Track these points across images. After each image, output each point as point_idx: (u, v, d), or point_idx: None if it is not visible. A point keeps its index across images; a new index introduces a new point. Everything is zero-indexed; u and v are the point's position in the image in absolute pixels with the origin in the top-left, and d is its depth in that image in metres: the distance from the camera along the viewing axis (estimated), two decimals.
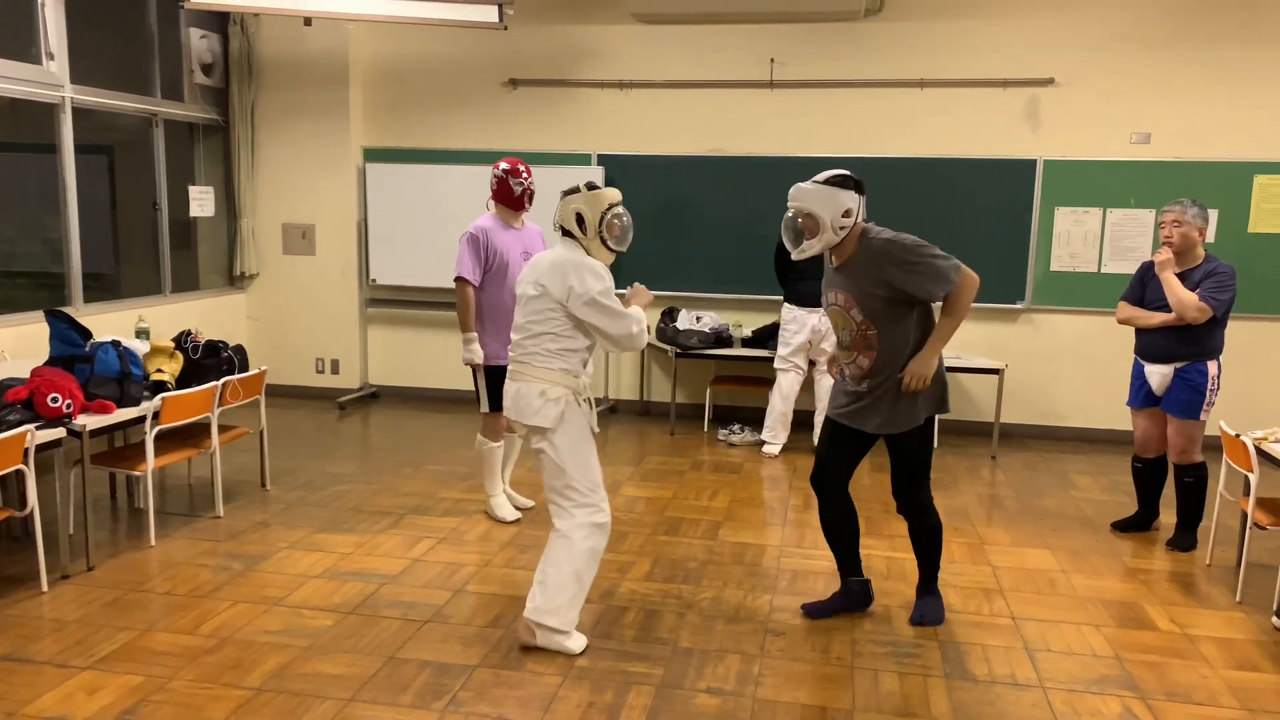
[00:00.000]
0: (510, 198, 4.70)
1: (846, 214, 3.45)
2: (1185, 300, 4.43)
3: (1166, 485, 4.89)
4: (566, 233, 3.54)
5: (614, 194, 3.56)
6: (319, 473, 5.72)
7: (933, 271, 3.45)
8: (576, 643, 3.48)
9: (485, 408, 4.82)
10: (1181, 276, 4.52)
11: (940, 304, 3.51)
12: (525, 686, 3.24)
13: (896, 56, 6.91)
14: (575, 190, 3.55)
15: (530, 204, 4.78)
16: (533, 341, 3.46)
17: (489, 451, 4.88)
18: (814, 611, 3.85)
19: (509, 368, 3.56)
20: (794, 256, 3.58)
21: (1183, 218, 4.49)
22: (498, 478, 4.93)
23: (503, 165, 4.71)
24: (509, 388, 3.53)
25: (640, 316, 3.54)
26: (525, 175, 4.71)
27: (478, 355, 4.68)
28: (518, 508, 5.05)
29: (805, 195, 3.48)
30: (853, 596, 3.88)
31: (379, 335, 7.92)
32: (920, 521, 3.75)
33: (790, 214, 3.53)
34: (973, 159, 6.85)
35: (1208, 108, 6.60)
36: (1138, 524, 4.98)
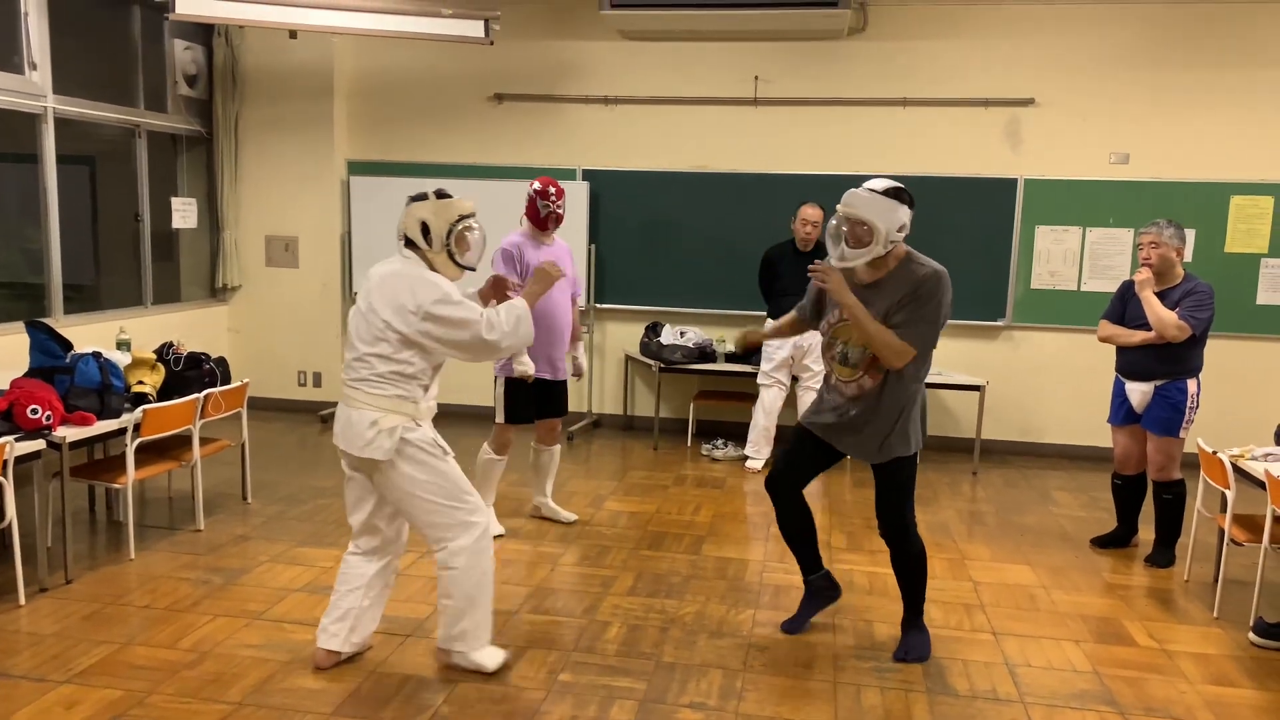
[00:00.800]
0: (536, 217, 4.71)
1: (901, 229, 3.36)
2: (1165, 319, 4.48)
3: (1146, 502, 4.93)
4: (410, 243, 3.27)
5: (467, 205, 3.30)
6: (300, 486, 5.69)
7: (929, 324, 3.37)
8: (490, 658, 3.38)
9: (501, 418, 4.81)
10: (1161, 296, 4.58)
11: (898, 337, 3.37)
12: (508, 701, 3.23)
13: (879, 75, 6.98)
14: (423, 196, 3.28)
15: (555, 227, 4.77)
16: (362, 364, 3.18)
17: (490, 463, 4.86)
18: (792, 628, 3.84)
19: (344, 392, 3.27)
20: (841, 265, 3.40)
21: (1160, 239, 4.55)
22: (491, 492, 4.91)
23: (536, 184, 4.71)
24: (339, 413, 3.26)
25: (515, 313, 3.21)
26: (554, 198, 4.68)
27: (530, 365, 4.66)
28: (561, 521, 5.08)
29: (865, 204, 3.33)
30: (820, 594, 3.86)
31: None
32: (903, 548, 3.59)
33: (840, 220, 3.39)
34: (954, 177, 6.92)
35: (1186, 129, 6.70)
36: (1117, 540, 5.02)
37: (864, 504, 5.68)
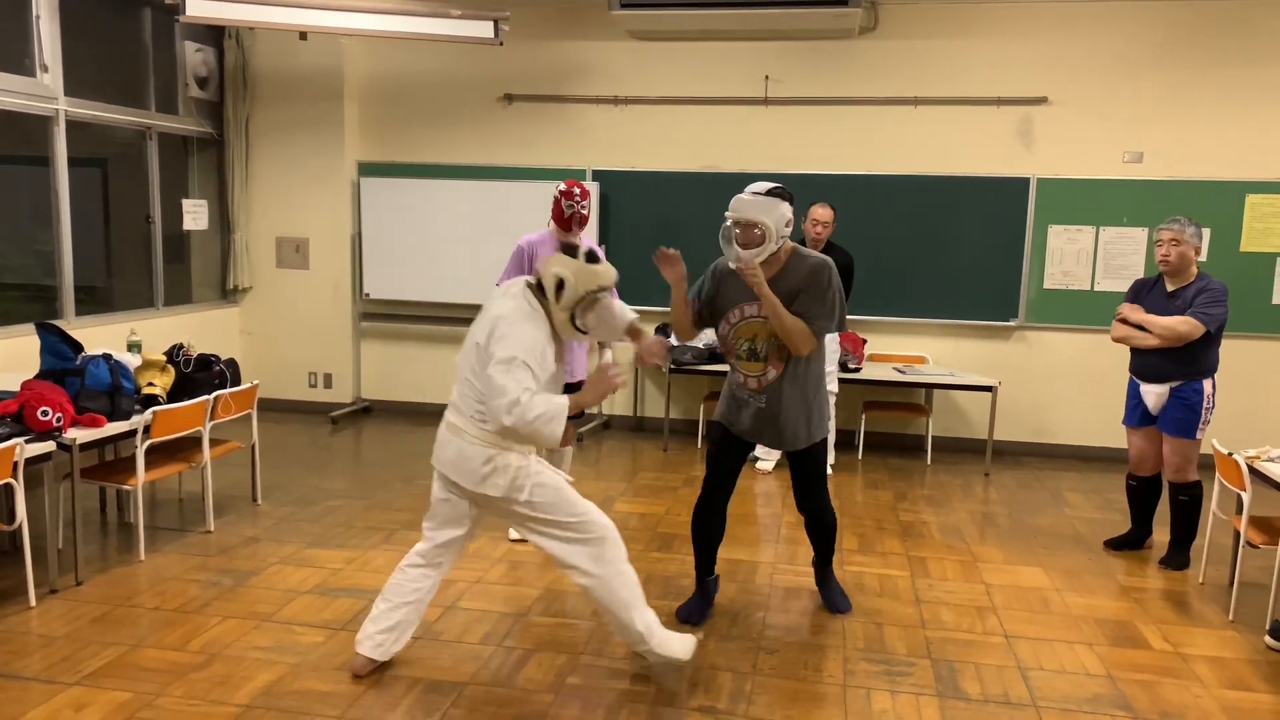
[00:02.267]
0: (560, 218, 4.70)
1: (787, 224, 3.59)
2: (1173, 327, 4.46)
3: (1161, 504, 4.89)
4: (539, 288, 3.21)
5: (609, 276, 3.23)
6: (310, 488, 5.69)
7: (834, 307, 3.63)
8: (680, 647, 3.40)
9: None
10: (1174, 294, 4.54)
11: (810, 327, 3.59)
12: (517, 704, 3.22)
13: (890, 74, 6.95)
14: (573, 252, 3.21)
15: (580, 228, 4.75)
16: (472, 398, 3.16)
17: (554, 456, 4.87)
18: (691, 617, 3.93)
19: (448, 417, 3.25)
20: (733, 264, 3.60)
21: (1181, 236, 4.49)
22: None
23: (561, 185, 4.72)
24: (449, 444, 3.23)
25: (551, 411, 2.99)
26: (579, 198, 4.67)
27: None
28: None
29: (752, 207, 3.55)
30: (709, 592, 4.03)
31: (372, 350, 7.90)
32: (819, 518, 4.00)
33: (732, 224, 3.59)
34: (966, 177, 6.88)
35: (1201, 127, 6.64)
36: (1131, 542, 4.97)
37: (875, 506, 5.65)
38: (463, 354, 3.24)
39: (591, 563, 3.27)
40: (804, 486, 3.94)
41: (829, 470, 6.28)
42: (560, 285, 3.15)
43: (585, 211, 4.71)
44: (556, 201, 4.70)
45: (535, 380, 3.05)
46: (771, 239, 3.55)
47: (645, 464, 6.49)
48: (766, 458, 6.44)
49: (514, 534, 4.84)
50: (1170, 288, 4.58)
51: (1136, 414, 4.76)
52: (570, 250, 3.22)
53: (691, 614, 3.94)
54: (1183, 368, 4.53)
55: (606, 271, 3.22)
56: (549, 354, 3.17)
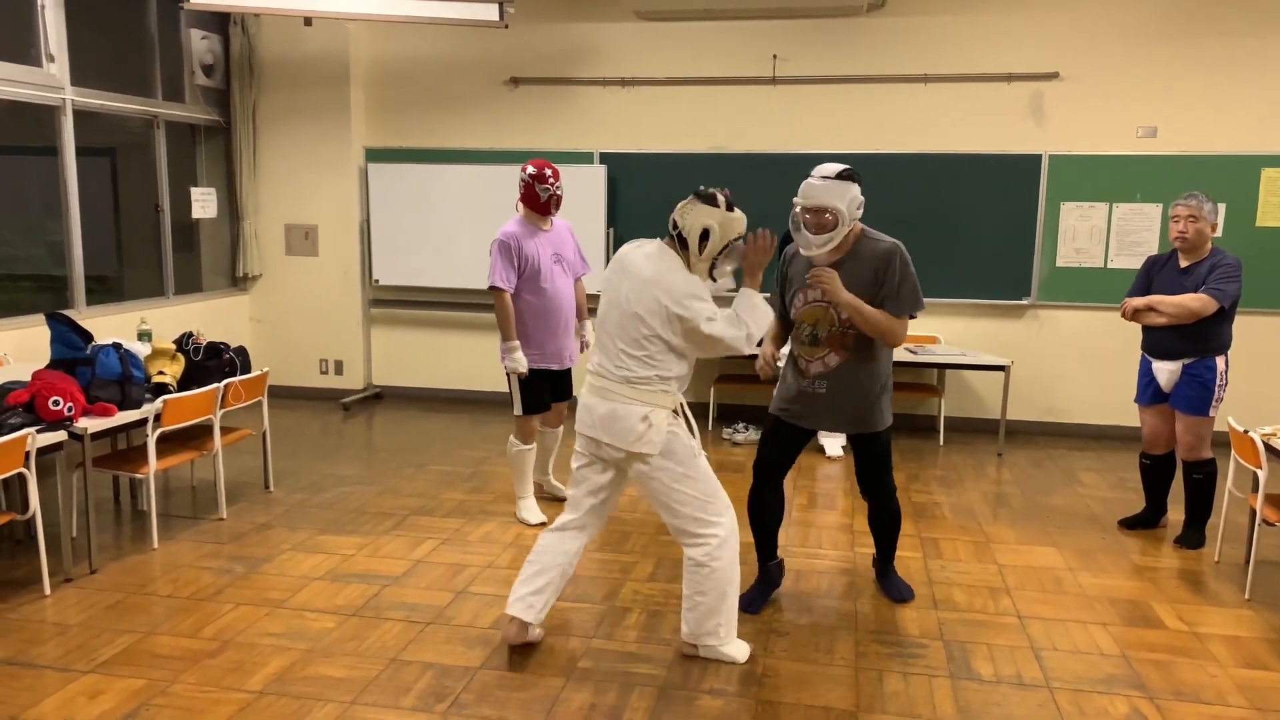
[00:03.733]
0: (536, 203, 4.65)
1: (859, 206, 3.51)
2: (1186, 305, 4.41)
3: (1175, 482, 4.85)
4: (679, 238, 3.25)
5: (743, 223, 3.30)
6: (322, 474, 5.71)
7: (913, 293, 3.59)
8: (739, 650, 3.42)
9: (519, 410, 4.78)
10: (1187, 270, 4.49)
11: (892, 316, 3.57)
12: (528, 689, 3.22)
13: (899, 52, 6.87)
14: (713, 199, 3.25)
15: (557, 209, 4.72)
16: (630, 362, 3.22)
17: (520, 454, 4.85)
18: (751, 606, 3.86)
19: (594, 383, 3.30)
20: (811, 252, 3.55)
21: (1199, 212, 4.42)
22: (528, 481, 4.91)
23: (530, 169, 4.62)
24: (598, 406, 3.26)
25: (758, 313, 3.24)
26: (552, 180, 4.63)
27: (522, 364, 4.62)
28: (560, 496, 5.07)
29: (823, 191, 3.48)
30: (772, 578, 3.98)
31: (382, 336, 7.91)
32: (884, 506, 3.93)
33: (802, 210, 3.52)
34: (977, 154, 6.82)
35: (1214, 101, 6.56)
36: (1145, 521, 4.94)
37: None
38: (612, 324, 3.27)
39: (719, 545, 3.30)
40: (868, 472, 3.86)
41: (841, 451, 6.27)
42: (705, 235, 3.21)
43: (560, 192, 4.69)
44: (528, 185, 4.61)
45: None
46: (844, 223, 3.48)
47: None
48: (832, 441, 6.37)
49: (530, 518, 4.84)
50: (1184, 264, 4.53)
51: (1149, 392, 4.71)
52: (710, 199, 3.25)
53: (752, 602, 3.86)
54: (1195, 344, 4.48)
55: (742, 218, 3.30)
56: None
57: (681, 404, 3.32)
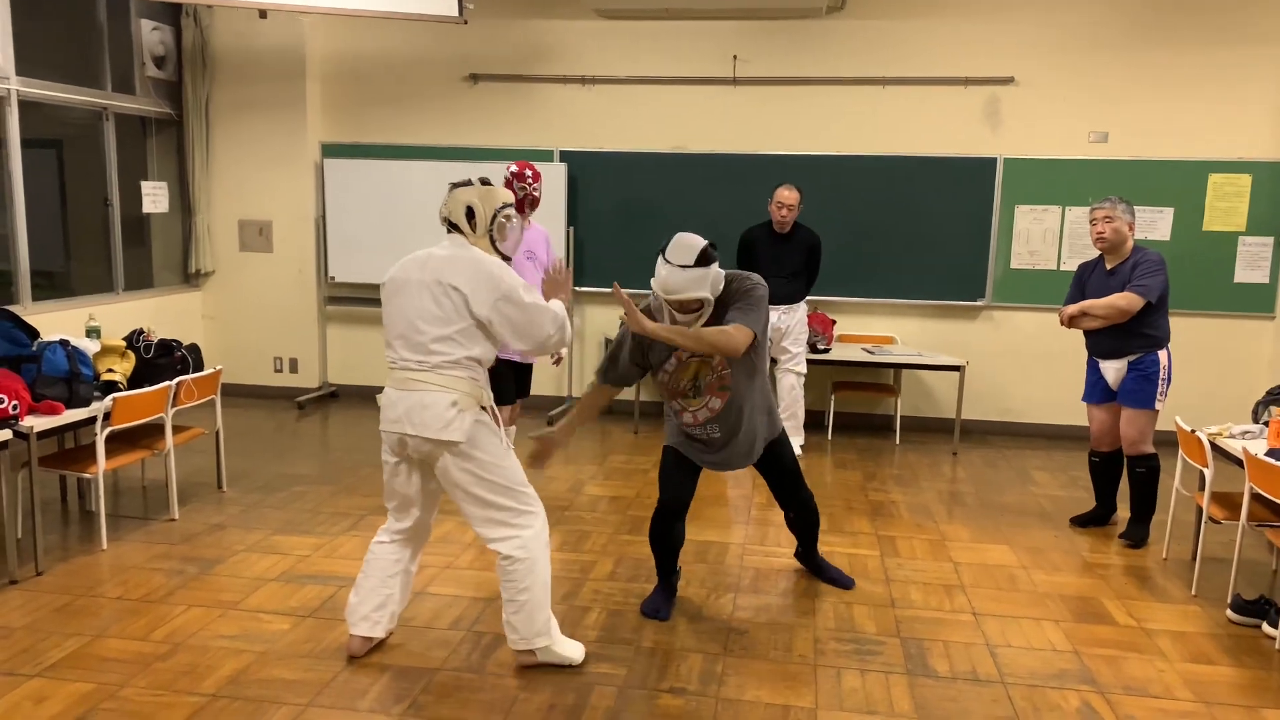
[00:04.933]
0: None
1: (721, 282, 3.42)
2: (1114, 304, 4.56)
3: (1123, 481, 4.94)
4: (453, 227, 3.26)
5: (507, 194, 3.34)
6: (277, 474, 5.62)
7: (754, 314, 3.41)
8: (575, 650, 3.38)
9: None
10: (1113, 272, 4.65)
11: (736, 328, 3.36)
12: (486, 690, 3.20)
13: (858, 54, 6.93)
14: (467, 183, 3.30)
15: (532, 209, 4.77)
16: (439, 346, 3.13)
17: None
18: (659, 613, 3.79)
19: (396, 377, 3.20)
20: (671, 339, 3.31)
21: (1114, 213, 4.60)
22: None
23: (513, 167, 4.72)
24: (401, 400, 3.15)
25: (560, 314, 3.25)
26: (531, 180, 4.69)
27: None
28: None
29: (690, 283, 3.30)
30: (673, 586, 3.93)
31: (338, 334, 7.82)
32: (806, 509, 4.01)
33: (664, 301, 3.37)
34: (934, 157, 6.90)
35: (1165, 108, 6.70)
36: (1096, 519, 5.03)
37: (844, 486, 5.67)
38: (414, 311, 3.15)
39: (532, 536, 3.23)
40: (781, 483, 3.91)
41: (799, 452, 6.30)
42: (470, 212, 3.24)
43: (537, 194, 4.73)
44: (507, 182, 4.68)
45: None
46: (710, 307, 3.38)
47: (615, 447, 6.47)
48: (794, 441, 6.39)
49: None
50: (1109, 265, 4.68)
51: (1098, 390, 4.82)
52: (464, 184, 3.30)
53: (660, 608, 3.80)
54: (1137, 341, 4.61)
55: (503, 189, 3.35)
56: None
57: (490, 403, 3.26)
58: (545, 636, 3.30)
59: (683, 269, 3.30)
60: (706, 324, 3.43)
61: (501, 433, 3.27)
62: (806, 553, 4.23)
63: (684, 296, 3.32)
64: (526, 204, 4.69)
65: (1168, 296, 4.59)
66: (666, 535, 3.78)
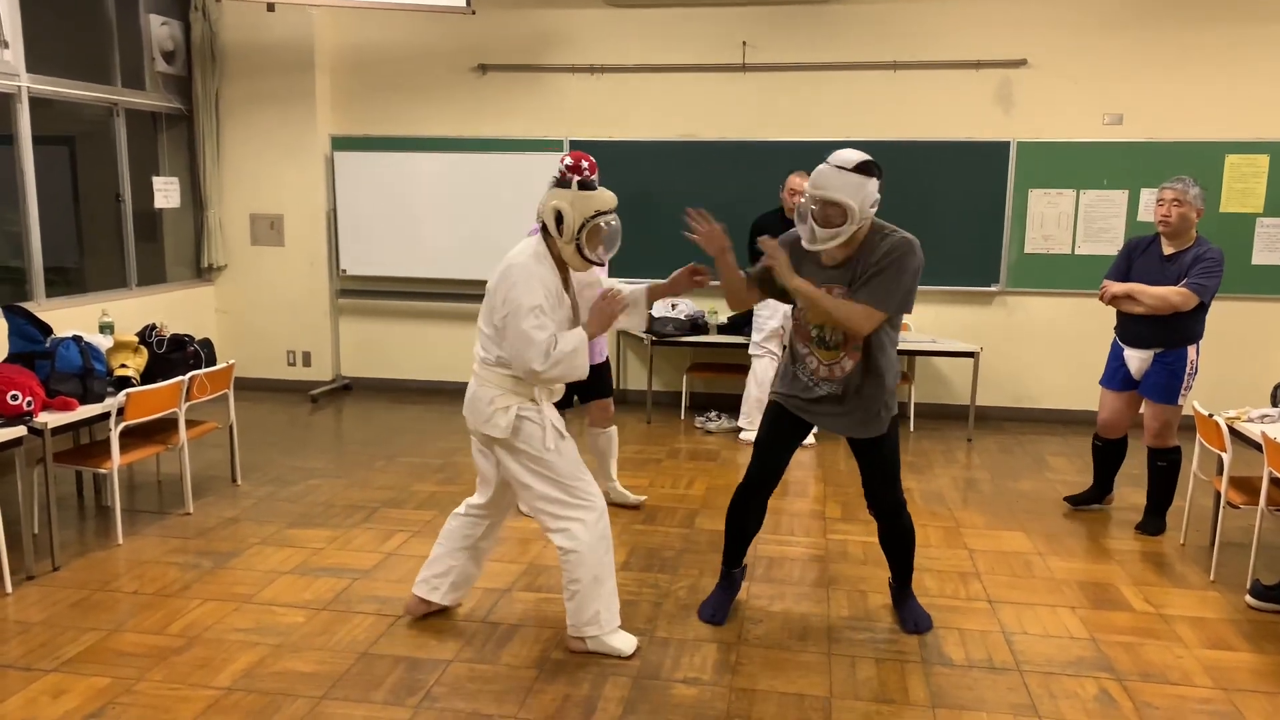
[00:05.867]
0: None
1: (874, 205, 3.19)
2: (1166, 298, 4.37)
3: (1138, 468, 4.90)
4: (544, 227, 3.22)
5: (608, 199, 3.20)
6: (290, 467, 5.64)
7: (887, 291, 3.22)
8: (625, 642, 3.37)
9: (575, 400, 4.78)
10: (1170, 258, 4.46)
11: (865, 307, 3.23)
12: (500, 680, 3.20)
13: (868, 39, 6.87)
14: (566, 183, 3.19)
15: None
16: (484, 343, 3.24)
17: (600, 439, 4.93)
18: (715, 617, 3.66)
19: (474, 366, 3.33)
20: (812, 247, 3.23)
21: (1184, 197, 4.36)
22: (608, 465, 4.94)
23: (567, 159, 4.62)
24: (468, 388, 3.32)
25: (557, 351, 3.09)
26: (588, 172, 4.60)
27: None
28: (629, 505, 4.97)
29: (836, 183, 3.14)
30: (735, 584, 3.76)
31: (350, 326, 7.83)
32: (895, 523, 3.58)
33: (809, 198, 3.20)
34: (946, 141, 6.84)
35: (1180, 88, 6.61)
36: (1090, 498, 5.00)
37: (858, 474, 5.63)
38: (483, 309, 3.28)
39: (582, 529, 3.26)
40: (877, 481, 3.53)
41: (812, 439, 6.28)
42: (560, 217, 3.16)
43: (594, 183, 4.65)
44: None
45: (550, 321, 3.13)
46: (853, 220, 3.14)
47: (628, 437, 6.46)
48: (749, 428, 6.40)
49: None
50: (1167, 250, 4.47)
51: (1118, 377, 4.73)
52: (562, 182, 3.21)
53: (715, 613, 3.64)
54: (1170, 334, 4.47)
55: (603, 194, 3.20)
56: (560, 293, 3.23)
57: (544, 399, 3.27)
58: (594, 627, 3.33)
59: (838, 169, 3.17)
60: (848, 268, 3.27)
61: (549, 431, 3.24)
62: (899, 587, 3.71)
63: (828, 195, 3.14)
64: None
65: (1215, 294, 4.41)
66: (745, 509, 3.61)
